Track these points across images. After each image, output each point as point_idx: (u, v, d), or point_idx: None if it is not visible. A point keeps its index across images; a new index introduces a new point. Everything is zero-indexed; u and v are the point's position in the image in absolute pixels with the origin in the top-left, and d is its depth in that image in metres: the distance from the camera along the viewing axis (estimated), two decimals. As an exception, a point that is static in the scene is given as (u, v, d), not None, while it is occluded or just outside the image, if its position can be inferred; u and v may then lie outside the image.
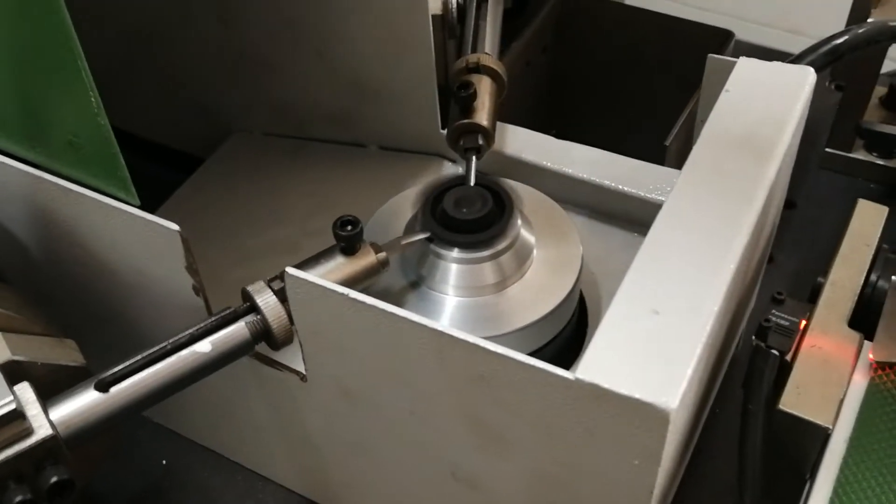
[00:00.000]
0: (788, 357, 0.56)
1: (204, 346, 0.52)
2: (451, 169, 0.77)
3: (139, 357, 0.51)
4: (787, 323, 0.56)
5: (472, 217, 0.61)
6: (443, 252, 0.61)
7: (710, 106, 0.60)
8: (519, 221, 0.63)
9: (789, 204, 0.81)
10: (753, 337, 0.56)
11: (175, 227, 0.52)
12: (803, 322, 0.57)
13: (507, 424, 0.51)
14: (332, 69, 0.76)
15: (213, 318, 0.53)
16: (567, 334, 0.64)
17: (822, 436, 0.53)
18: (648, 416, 0.44)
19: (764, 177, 0.54)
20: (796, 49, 0.76)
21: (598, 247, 0.69)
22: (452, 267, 0.61)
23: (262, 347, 0.56)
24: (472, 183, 0.64)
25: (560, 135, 0.74)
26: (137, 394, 0.50)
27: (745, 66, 0.62)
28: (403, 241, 0.60)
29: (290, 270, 0.51)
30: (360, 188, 0.77)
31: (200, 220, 0.75)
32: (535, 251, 0.63)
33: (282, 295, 0.53)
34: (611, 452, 0.48)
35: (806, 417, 0.53)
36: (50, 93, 0.51)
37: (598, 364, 0.46)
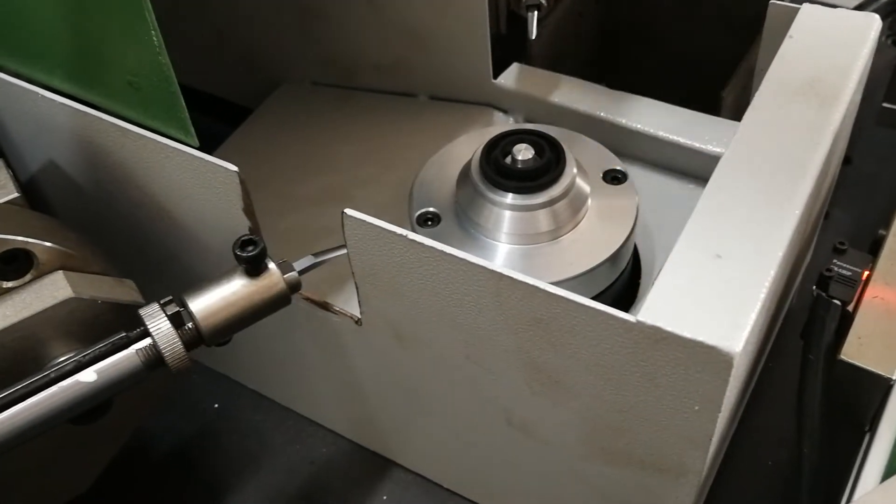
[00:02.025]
0: (850, 307, 0.55)
1: (88, 376, 0.48)
2: (501, 119, 0.76)
3: (18, 386, 0.47)
4: (849, 273, 0.55)
5: (528, 164, 0.61)
6: (497, 199, 0.61)
7: (770, 54, 0.59)
8: (574, 169, 0.62)
9: (845, 160, 0.80)
10: (814, 287, 0.55)
11: (234, 168, 0.52)
12: (865, 273, 0.56)
13: (565, 369, 0.50)
14: (381, 16, 0.75)
15: (103, 344, 0.49)
16: (620, 285, 0.64)
17: (884, 386, 0.52)
18: (711, 360, 0.44)
19: (829, 124, 0.53)
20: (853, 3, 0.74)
21: (652, 198, 0.69)
22: (507, 214, 0.61)
23: (317, 292, 0.56)
24: (533, 35, 0.64)
25: (613, 87, 0.73)
26: (11, 428, 0.46)
27: (809, 13, 0.60)
28: (319, 258, 0.55)
29: (349, 211, 0.51)
30: (410, 137, 0.77)
31: (250, 168, 0.74)
32: (589, 200, 0.63)
33: (178, 319, 0.49)
34: (670, 398, 0.47)
35: (868, 368, 0.52)
36: (111, 32, 0.51)
37: (660, 307, 0.45)
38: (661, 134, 0.69)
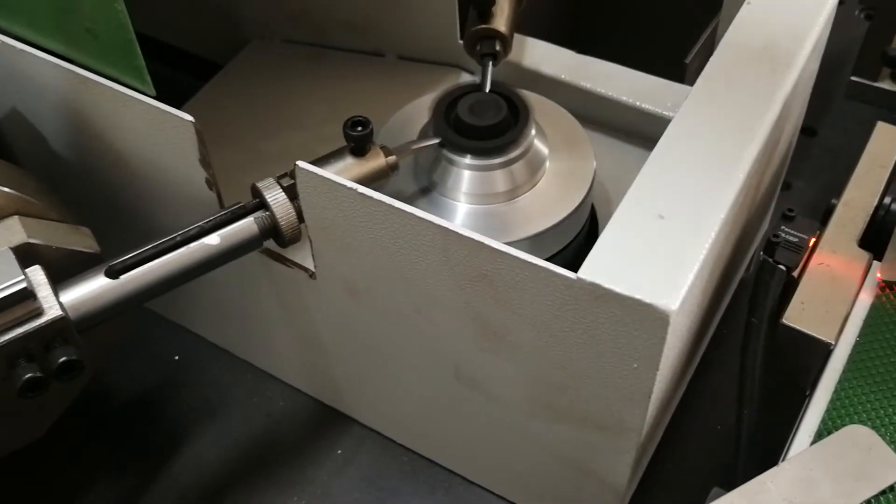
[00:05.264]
0: (795, 273, 0.56)
1: (213, 240, 0.52)
2: (468, 80, 0.77)
3: (149, 246, 0.51)
4: (795, 239, 0.56)
5: (486, 124, 0.61)
6: (455, 158, 0.61)
7: (730, 22, 0.59)
8: (533, 131, 0.62)
9: (811, 132, 0.81)
10: (761, 252, 0.56)
11: (189, 117, 0.52)
12: (812, 240, 0.57)
13: (509, 325, 0.51)
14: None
15: (223, 212, 0.53)
16: (576, 246, 0.64)
17: (823, 351, 0.53)
18: (648, 317, 0.45)
19: (780, 89, 0.54)
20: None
21: (612, 163, 0.69)
22: (465, 173, 0.61)
23: (273, 245, 0.57)
24: (487, 89, 0.63)
25: (580, 52, 0.73)
26: (146, 282, 0.51)
27: (769, -19, 0.61)
28: (414, 146, 0.60)
29: (301, 164, 0.52)
30: (378, 96, 0.77)
31: (217, 123, 0.75)
32: (547, 162, 0.63)
33: (291, 192, 0.54)
34: (610, 355, 0.48)
35: (809, 332, 0.53)
36: (69, -23, 0.51)
37: (599, 264, 0.46)
38: (624, 99, 0.70)
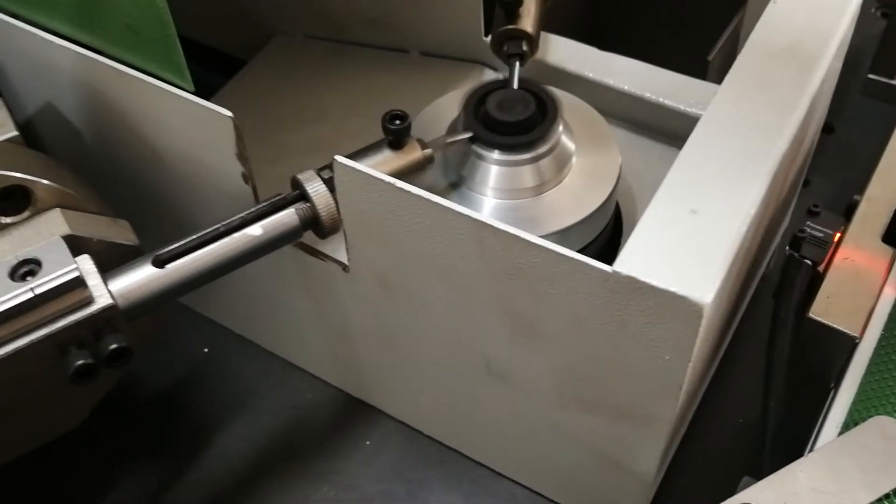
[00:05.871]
0: (821, 268, 0.57)
1: (255, 230, 0.54)
2: (492, 76, 0.77)
3: (194, 237, 0.53)
4: (821, 234, 0.57)
5: (515, 119, 0.62)
6: (484, 153, 0.62)
7: (755, 19, 0.60)
8: (560, 127, 0.63)
9: (828, 128, 0.81)
10: (787, 247, 0.57)
11: (228, 113, 0.53)
12: (837, 235, 0.58)
13: (543, 317, 0.52)
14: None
15: (265, 203, 0.55)
16: (601, 242, 0.65)
17: (849, 345, 0.54)
18: (682, 310, 0.46)
19: (807, 87, 0.55)
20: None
21: (636, 160, 0.70)
22: (492, 169, 0.62)
23: (306, 238, 0.58)
24: (515, 86, 0.64)
25: (603, 49, 0.74)
26: (191, 272, 0.52)
27: (795, -21, 0.62)
28: (448, 140, 0.61)
29: (339, 158, 0.53)
30: (401, 93, 0.78)
31: (242, 118, 0.76)
32: (574, 158, 0.64)
33: (331, 184, 0.55)
34: (643, 347, 0.49)
35: (834, 326, 0.54)
36: (109, -26, 0.52)
37: (635, 258, 0.47)
38: (648, 96, 0.71)
